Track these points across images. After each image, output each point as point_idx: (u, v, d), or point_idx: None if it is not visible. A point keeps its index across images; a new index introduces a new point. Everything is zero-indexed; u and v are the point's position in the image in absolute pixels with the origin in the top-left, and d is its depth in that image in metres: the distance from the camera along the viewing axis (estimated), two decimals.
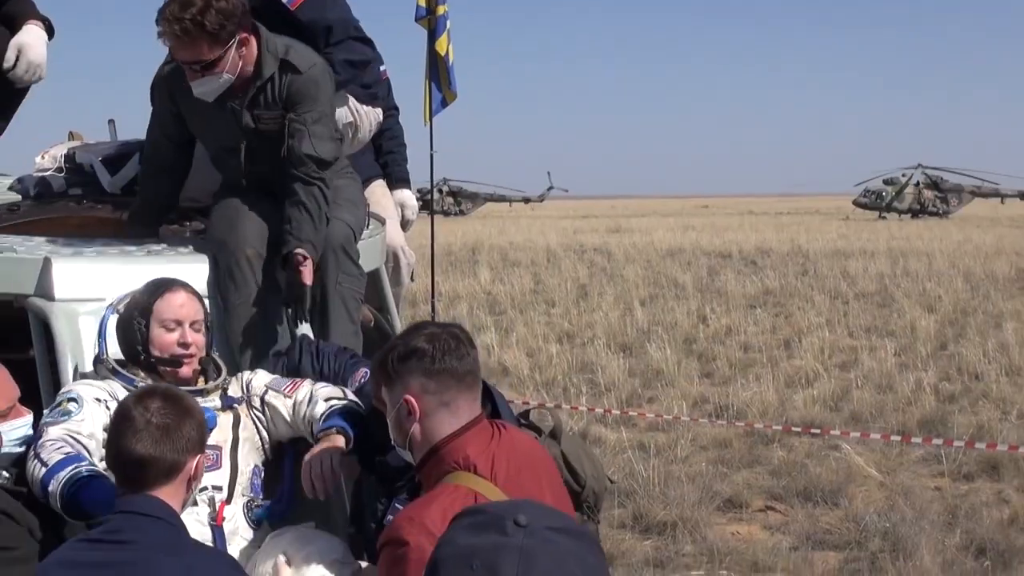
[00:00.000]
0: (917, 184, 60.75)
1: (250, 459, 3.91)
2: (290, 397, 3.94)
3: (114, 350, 3.88)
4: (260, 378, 4.08)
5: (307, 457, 3.65)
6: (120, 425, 3.05)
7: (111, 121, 5.71)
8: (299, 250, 4.37)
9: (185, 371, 3.84)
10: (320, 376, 4.14)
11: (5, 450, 3.29)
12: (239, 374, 4.15)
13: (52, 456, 3.31)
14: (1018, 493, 9.42)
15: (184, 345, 3.80)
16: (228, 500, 3.76)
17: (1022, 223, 51.80)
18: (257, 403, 3.98)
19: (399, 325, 5.53)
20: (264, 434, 3.98)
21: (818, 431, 11.49)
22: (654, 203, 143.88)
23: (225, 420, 3.90)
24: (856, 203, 63.29)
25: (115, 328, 3.82)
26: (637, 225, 56.24)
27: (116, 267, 4.19)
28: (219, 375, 3.98)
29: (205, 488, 3.64)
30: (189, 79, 4.49)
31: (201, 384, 3.88)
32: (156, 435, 2.95)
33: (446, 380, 3.00)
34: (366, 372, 3.96)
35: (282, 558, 3.31)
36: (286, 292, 4.47)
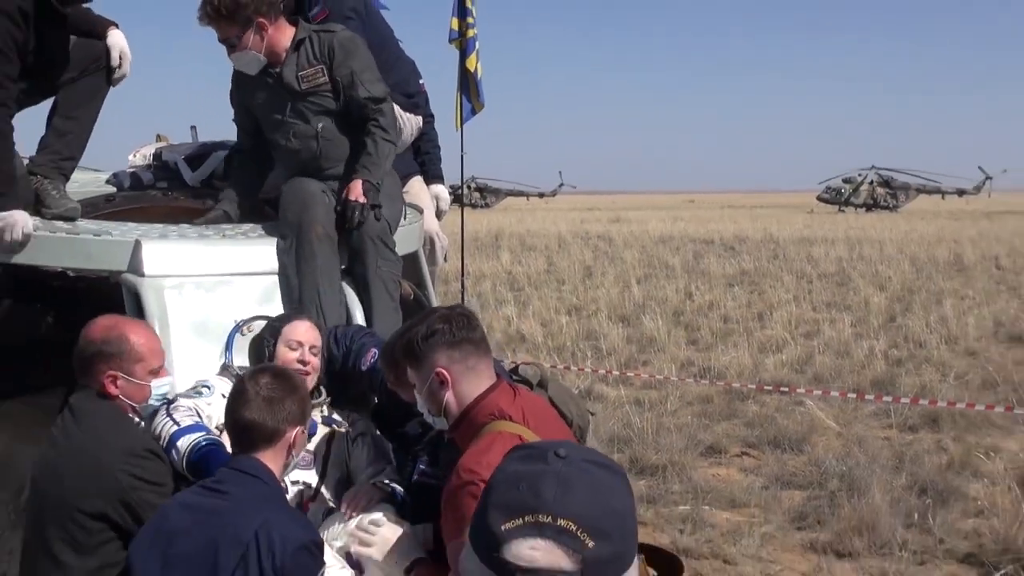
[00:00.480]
0: (871, 182, 60.92)
1: (335, 471, 3.95)
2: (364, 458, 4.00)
3: (239, 360, 4.09)
4: (363, 425, 4.15)
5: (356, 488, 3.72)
6: (235, 395, 3.18)
7: (193, 127, 5.85)
8: (356, 178, 4.62)
9: None
10: (340, 350, 4.22)
11: (150, 402, 3.52)
12: (350, 413, 4.22)
13: (184, 419, 3.57)
14: (954, 442, 9.64)
15: (303, 363, 3.91)
16: (312, 498, 3.83)
17: (959, 216, 51.65)
18: (352, 436, 4.04)
19: (435, 298, 5.68)
20: (347, 459, 4.00)
21: (786, 389, 11.68)
22: (648, 198, 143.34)
23: (323, 432, 4.01)
24: (819, 198, 63.51)
25: (247, 344, 4.09)
26: (634, 216, 55.71)
27: (195, 247, 4.24)
28: (322, 396, 4.13)
29: (297, 482, 3.77)
30: (228, 56, 4.77)
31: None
32: (262, 405, 3.06)
33: (467, 348, 3.06)
34: (375, 352, 3.99)
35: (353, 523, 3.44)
36: (342, 211, 4.59)
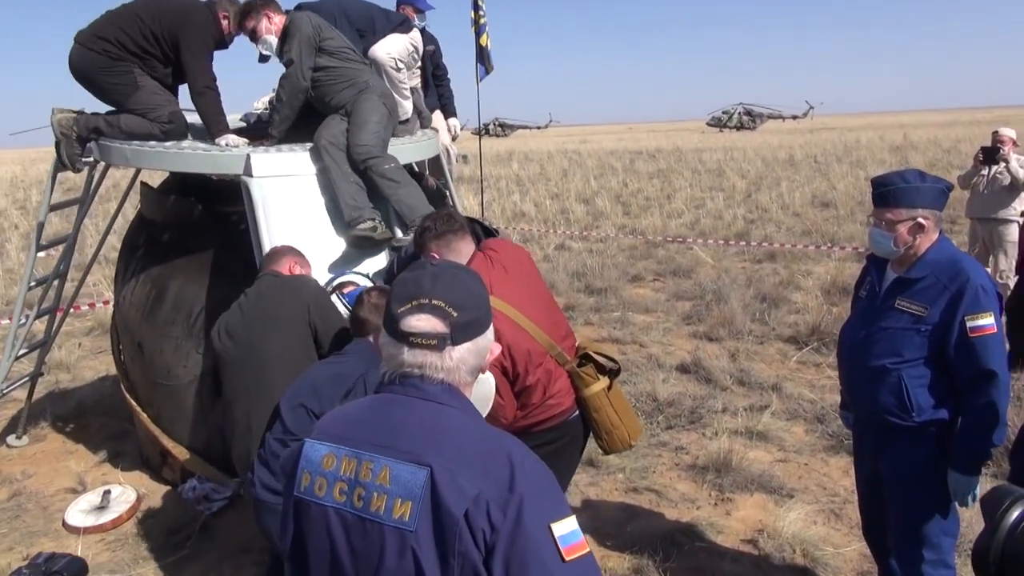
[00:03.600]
0: (739, 113, 59.57)
1: None
2: None
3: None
4: None
5: None
6: (357, 301, 2.92)
7: (275, 89, 5.30)
8: None
9: None
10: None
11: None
12: None
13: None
14: (784, 269, 9.45)
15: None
16: None
17: (792, 132, 50.86)
18: None
19: (452, 186, 5.37)
20: None
21: (682, 240, 11.57)
22: (603, 127, 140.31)
23: None
24: (707, 124, 61.98)
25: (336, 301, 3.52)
26: (594, 139, 54.91)
27: (283, 156, 3.86)
28: None
29: None
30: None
31: None
32: (371, 308, 2.81)
33: (448, 237, 2.83)
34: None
35: None
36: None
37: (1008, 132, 6.96)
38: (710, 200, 16.06)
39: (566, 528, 1.29)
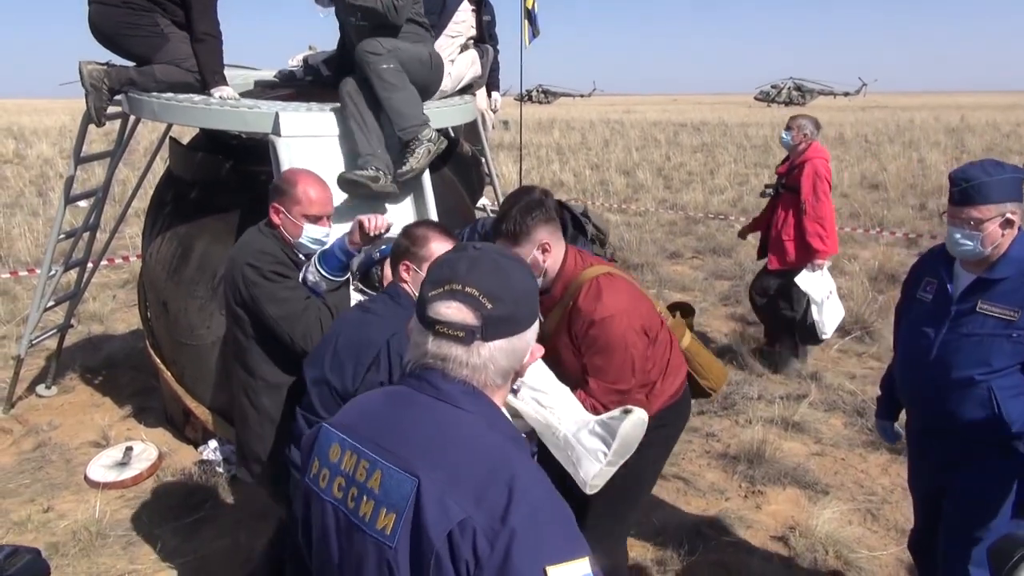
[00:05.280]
0: (789, 88, 57.94)
1: None
2: None
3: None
4: None
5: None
6: (396, 240, 2.54)
7: (311, 46, 5.06)
8: None
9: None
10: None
11: (302, 241, 2.76)
12: None
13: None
14: None
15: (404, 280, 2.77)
16: None
17: (843, 109, 49.65)
18: None
19: (489, 155, 5.30)
20: None
21: (723, 217, 11.25)
22: (648, 97, 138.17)
23: None
24: (755, 98, 60.38)
25: (362, 273, 3.00)
26: (638, 109, 54.04)
27: (312, 115, 3.71)
28: None
29: None
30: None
31: None
32: (408, 235, 2.43)
33: (555, 222, 2.50)
34: None
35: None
36: None
37: None
38: (754, 177, 15.60)
39: (569, 573, 1.10)
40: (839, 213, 11.66)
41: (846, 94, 62.87)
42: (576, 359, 2.45)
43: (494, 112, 6.13)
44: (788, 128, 5.65)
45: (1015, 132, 25.54)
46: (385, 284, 2.82)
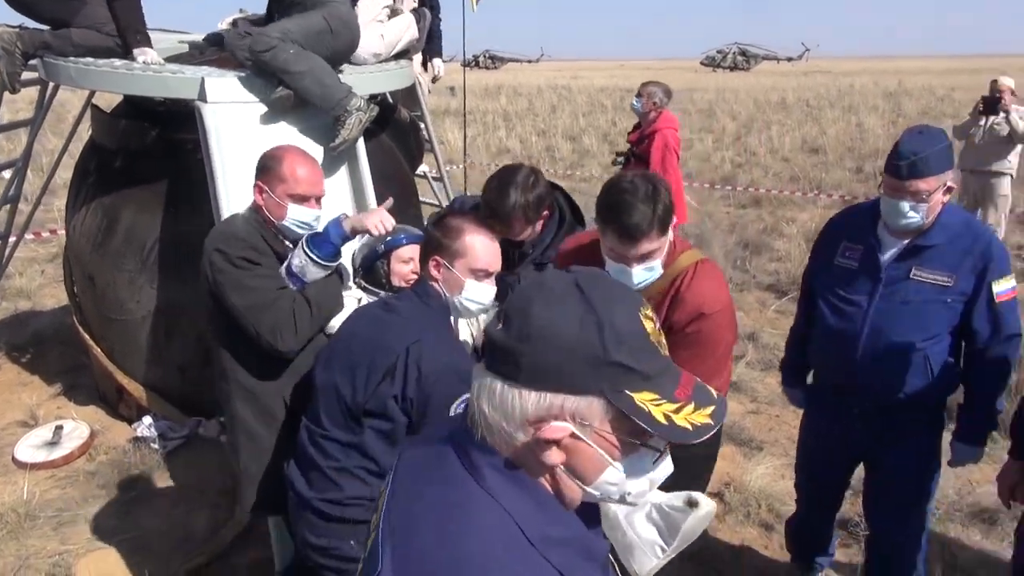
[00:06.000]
0: (734, 53, 58.46)
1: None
2: None
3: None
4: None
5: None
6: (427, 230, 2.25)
7: (241, 9, 4.81)
8: None
9: None
10: None
11: (287, 223, 2.46)
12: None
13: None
14: (769, 215, 9.35)
15: (416, 273, 2.51)
16: None
17: (787, 74, 50.15)
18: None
19: (429, 121, 5.21)
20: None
21: None
22: (595, 62, 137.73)
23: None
24: (702, 63, 60.81)
25: (365, 268, 2.67)
26: (585, 75, 53.90)
27: (241, 80, 3.53)
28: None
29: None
30: None
31: None
32: (439, 225, 2.14)
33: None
34: None
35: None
36: None
37: (1007, 81, 6.76)
38: (699, 142, 15.78)
39: None
40: (780, 176, 11.94)
41: (789, 59, 63.84)
42: None
43: (434, 82, 5.99)
44: (639, 95, 5.71)
45: (949, 96, 26.26)
46: (394, 281, 2.60)
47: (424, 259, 2.13)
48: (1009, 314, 2.34)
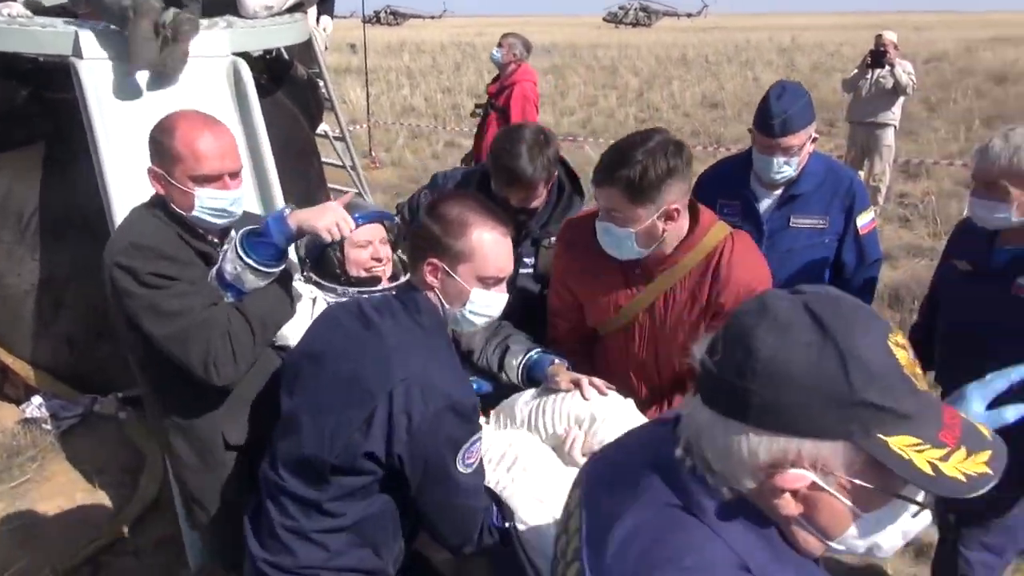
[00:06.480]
0: (635, 9, 59.17)
1: None
2: None
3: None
4: None
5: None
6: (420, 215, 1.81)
7: None
8: None
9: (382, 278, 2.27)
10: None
11: (196, 214, 1.91)
12: None
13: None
14: None
15: (377, 259, 2.24)
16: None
17: (686, 31, 51.12)
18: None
19: (328, 78, 5.07)
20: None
21: (572, 138, 11.33)
22: (502, 18, 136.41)
23: None
24: (604, 19, 61.16)
25: (313, 258, 2.28)
26: (490, 32, 53.19)
27: (119, 35, 3.27)
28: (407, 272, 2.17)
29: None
30: None
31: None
32: (430, 212, 1.72)
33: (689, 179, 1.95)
34: None
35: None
36: None
37: (890, 36, 7.06)
38: (603, 98, 15.89)
39: None
40: (681, 132, 12.19)
41: (689, 15, 65.01)
42: (692, 331, 1.94)
43: (326, 30, 5.75)
44: (499, 46, 5.77)
45: (838, 51, 27.29)
46: (351, 271, 2.21)
47: (416, 259, 1.64)
48: (872, 243, 2.57)
